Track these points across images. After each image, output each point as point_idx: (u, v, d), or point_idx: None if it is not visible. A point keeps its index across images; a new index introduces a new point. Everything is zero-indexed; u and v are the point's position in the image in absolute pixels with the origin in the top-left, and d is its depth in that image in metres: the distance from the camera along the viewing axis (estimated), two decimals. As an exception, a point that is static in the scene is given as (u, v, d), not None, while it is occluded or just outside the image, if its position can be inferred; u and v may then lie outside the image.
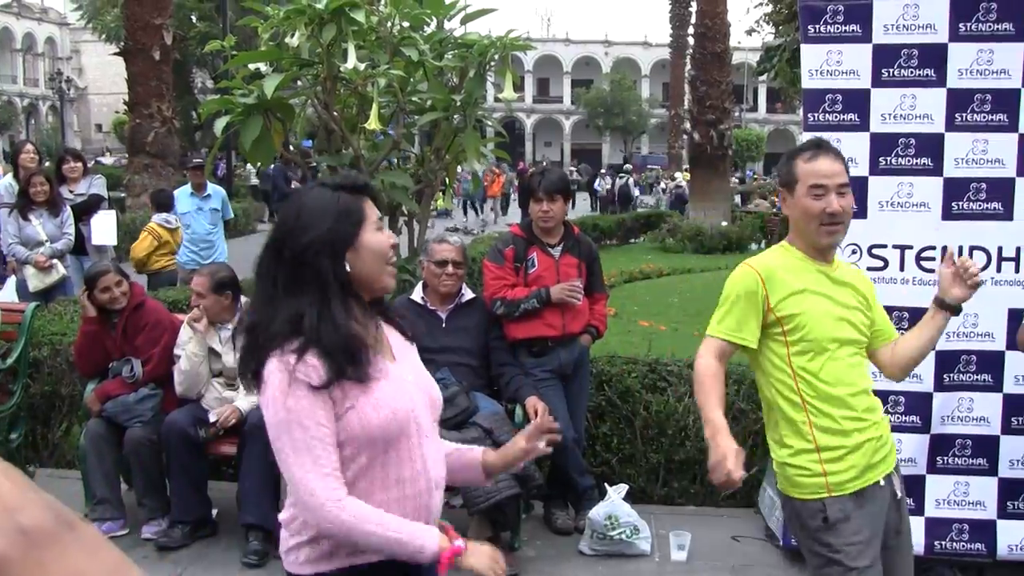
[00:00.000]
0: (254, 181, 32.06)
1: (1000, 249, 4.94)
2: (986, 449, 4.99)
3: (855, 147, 4.85)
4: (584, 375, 5.84)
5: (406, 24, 6.19)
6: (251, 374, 2.44)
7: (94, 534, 1.06)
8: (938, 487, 5.07)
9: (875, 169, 4.90)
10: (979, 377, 4.97)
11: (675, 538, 5.38)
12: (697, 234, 23.71)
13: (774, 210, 28.68)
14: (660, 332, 11.17)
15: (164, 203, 10.47)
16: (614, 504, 5.36)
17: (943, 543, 5.07)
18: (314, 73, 6.17)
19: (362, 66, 5.71)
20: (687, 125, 30.83)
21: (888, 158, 4.89)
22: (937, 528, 5.07)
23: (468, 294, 5.72)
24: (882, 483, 3.36)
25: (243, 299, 5.75)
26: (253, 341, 2.43)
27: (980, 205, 4.91)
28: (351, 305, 2.45)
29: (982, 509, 5.02)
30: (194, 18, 41.40)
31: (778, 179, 3.61)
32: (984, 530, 5.02)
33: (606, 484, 5.57)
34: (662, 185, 41.92)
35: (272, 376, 2.35)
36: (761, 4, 19.49)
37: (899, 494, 3.46)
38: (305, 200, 2.48)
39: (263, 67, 6.20)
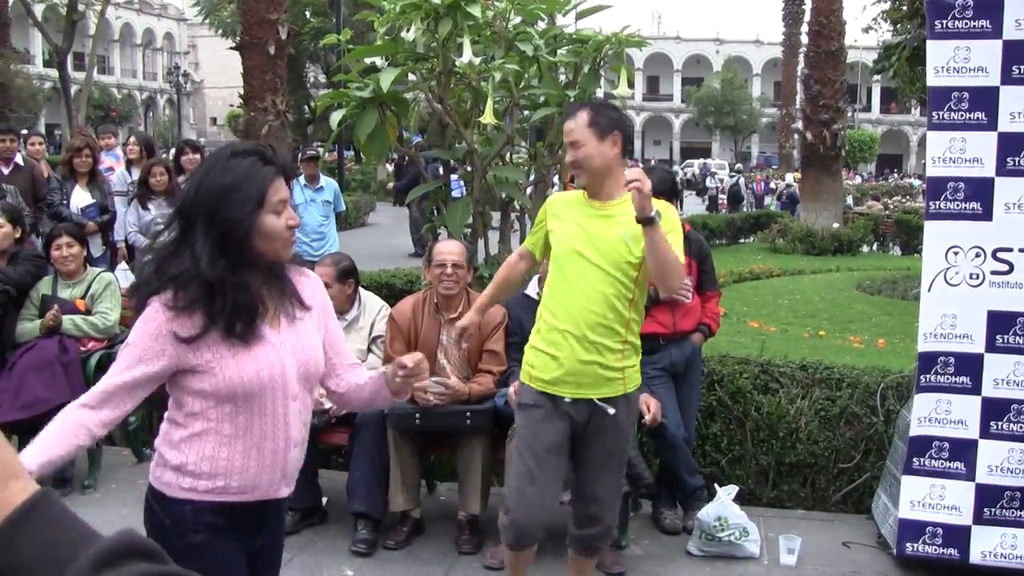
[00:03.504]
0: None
1: None
2: (963, 453, 4.85)
3: (981, 147, 4.70)
4: (695, 374, 5.77)
5: (520, 19, 6.20)
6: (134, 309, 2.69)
7: None
8: (914, 489, 4.95)
9: (1002, 170, 4.72)
10: (958, 379, 4.87)
11: (785, 542, 5.29)
12: (808, 235, 23.30)
13: (887, 212, 28.09)
14: (769, 333, 11.00)
15: None
16: (724, 505, 5.29)
17: (915, 546, 4.95)
18: (429, 67, 6.23)
19: (477, 60, 5.74)
20: (799, 124, 30.32)
21: (1017, 159, 4.71)
22: (910, 530, 4.96)
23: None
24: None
25: (362, 290, 5.82)
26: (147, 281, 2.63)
27: None
28: (244, 270, 2.62)
29: (957, 514, 4.88)
30: (308, 13, 42.17)
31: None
32: (958, 535, 4.87)
33: (716, 485, 5.50)
34: (772, 185, 41.32)
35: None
36: (878, 1, 19.05)
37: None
38: (227, 165, 2.63)
39: (378, 61, 6.27)
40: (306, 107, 45.18)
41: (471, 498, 5.34)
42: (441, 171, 7.29)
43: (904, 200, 36.93)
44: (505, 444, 5.20)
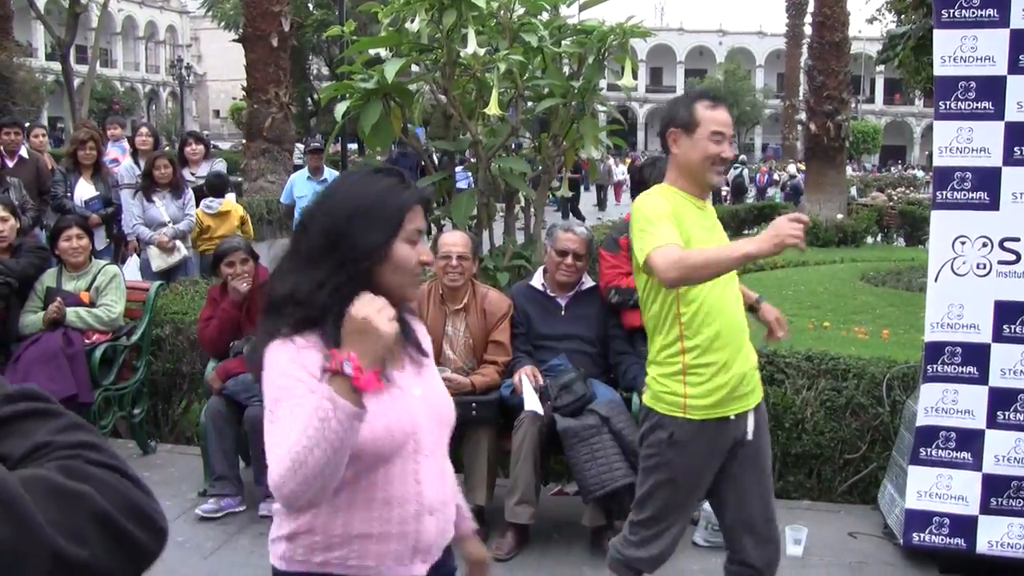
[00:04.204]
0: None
1: None
2: (970, 443, 4.85)
3: (989, 136, 4.68)
4: (701, 364, 5.76)
5: (524, 10, 6.19)
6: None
7: None
8: (920, 479, 4.95)
9: (1009, 159, 4.70)
10: (965, 369, 4.86)
11: (791, 532, 5.28)
12: (812, 227, 23.22)
13: (891, 203, 28.04)
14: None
15: (215, 186, 9.96)
16: (729, 496, 5.28)
17: (922, 536, 4.95)
18: (433, 58, 6.21)
19: (482, 51, 5.73)
20: (802, 116, 30.27)
21: (1023, 148, 4.70)
22: (917, 521, 4.95)
23: (588, 282, 5.69)
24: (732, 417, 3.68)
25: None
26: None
27: None
28: None
29: (964, 504, 4.87)
30: (311, 5, 42.13)
31: (667, 118, 3.79)
32: (965, 525, 4.86)
33: (721, 476, 5.48)
34: (775, 176, 41.24)
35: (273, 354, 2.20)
36: (883, -9, 19.01)
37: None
38: (353, 188, 2.31)
39: (383, 52, 6.26)
40: (309, 99, 45.18)
41: (477, 489, 5.33)
42: (439, 163, 7.29)
43: (908, 191, 36.87)
44: (512, 434, 5.20)
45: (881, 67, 36.37)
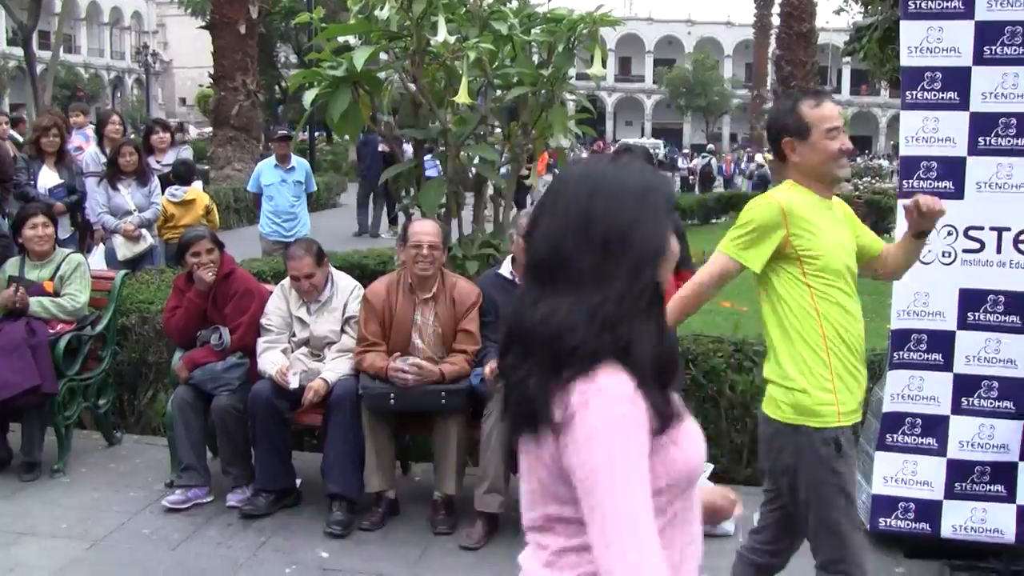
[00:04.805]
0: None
1: None
2: (935, 429, 4.89)
3: (954, 126, 4.72)
4: (671, 353, 5.77)
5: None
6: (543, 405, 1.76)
7: None
8: (887, 465, 4.99)
9: (974, 149, 4.75)
10: (930, 356, 4.90)
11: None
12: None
13: (857, 193, 28.21)
14: (742, 313, 11.02)
15: (180, 174, 9.81)
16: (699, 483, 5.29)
17: (888, 521, 5.00)
18: (403, 46, 6.18)
19: (452, 39, 5.70)
20: (769, 106, 30.38)
21: (988, 138, 4.74)
22: (883, 506, 5.00)
23: (556, 269, 5.68)
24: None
25: (334, 271, 5.80)
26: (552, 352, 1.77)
27: None
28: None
29: (929, 489, 4.91)
30: (279, -7, 41.75)
31: (776, 129, 3.70)
32: (930, 510, 4.91)
33: (690, 464, 5.49)
34: (743, 166, 41.44)
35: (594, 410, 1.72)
36: (850, -18, 19.12)
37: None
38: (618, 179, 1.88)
39: (352, 40, 6.22)
40: (277, 87, 44.88)
41: (447, 478, 5.33)
42: (412, 151, 7.26)
43: (874, 181, 37.10)
44: (481, 423, 5.20)
45: (847, 58, 36.52)
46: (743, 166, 41.67)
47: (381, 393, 5.27)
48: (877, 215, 25.20)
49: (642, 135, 75.89)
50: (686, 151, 46.36)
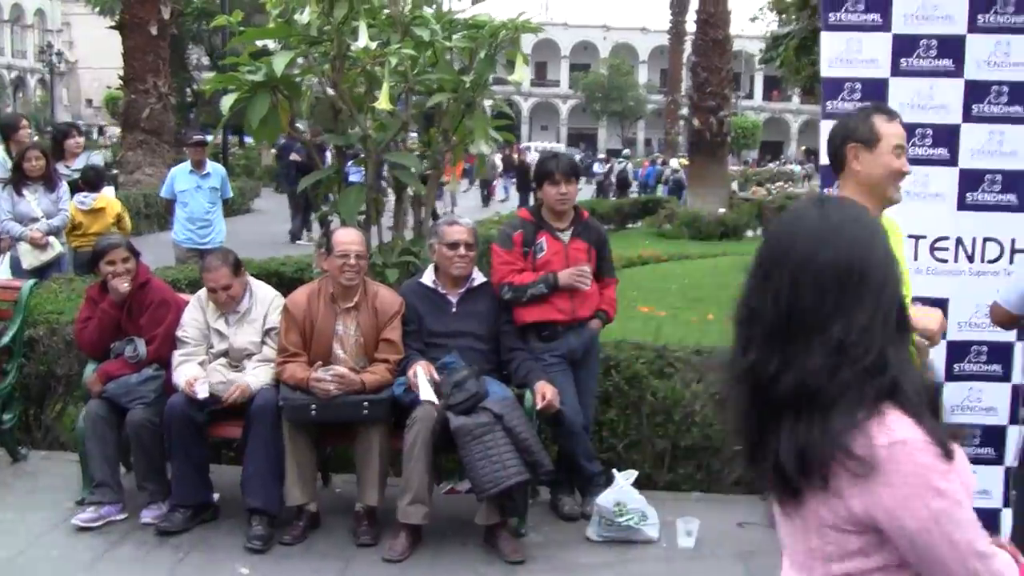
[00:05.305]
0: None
1: (1013, 241, 4.93)
2: None
3: None
4: (593, 360, 5.79)
5: (416, 3, 6.11)
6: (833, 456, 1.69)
7: None
8: None
9: None
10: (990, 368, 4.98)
11: (683, 524, 5.34)
12: (694, 220, 23.69)
13: (770, 197, 28.69)
14: (660, 318, 11.12)
15: (89, 181, 9.47)
16: (623, 490, 5.31)
17: None
18: (323, 51, 6.09)
19: (373, 45, 5.64)
20: (684, 111, 30.76)
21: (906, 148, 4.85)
22: None
23: (479, 278, 5.66)
24: None
25: (252, 280, 5.69)
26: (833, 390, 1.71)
27: (994, 196, 4.93)
28: None
29: None
30: (191, -6, 41.08)
31: (842, 135, 3.69)
32: None
33: (614, 470, 5.51)
34: (659, 166, 41.80)
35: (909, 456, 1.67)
36: (765, -9, 19.42)
37: None
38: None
39: (271, 44, 6.12)
40: (189, 90, 44.17)
41: (369, 489, 5.26)
42: (331, 157, 7.15)
43: (786, 185, 37.79)
44: (404, 433, 5.14)
45: (760, 65, 37.18)
46: (657, 166, 41.96)
47: (302, 404, 5.18)
48: (790, 220, 25.69)
49: (557, 140, 76.36)
50: (601, 156, 46.49)
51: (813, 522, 1.77)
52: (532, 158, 33.93)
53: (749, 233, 24.89)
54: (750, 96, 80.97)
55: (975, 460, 4.82)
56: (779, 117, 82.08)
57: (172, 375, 5.46)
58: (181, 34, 35.96)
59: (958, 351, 4.93)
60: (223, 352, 5.53)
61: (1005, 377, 4.95)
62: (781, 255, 1.80)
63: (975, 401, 4.95)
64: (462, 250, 5.49)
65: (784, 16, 17.73)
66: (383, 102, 5.68)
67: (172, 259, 10.42)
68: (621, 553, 5.25)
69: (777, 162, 63.46)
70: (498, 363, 5.58)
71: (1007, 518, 4.80)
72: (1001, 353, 4.93)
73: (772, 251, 1.84)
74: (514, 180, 34.29)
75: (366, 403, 5.20)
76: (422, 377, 5.18)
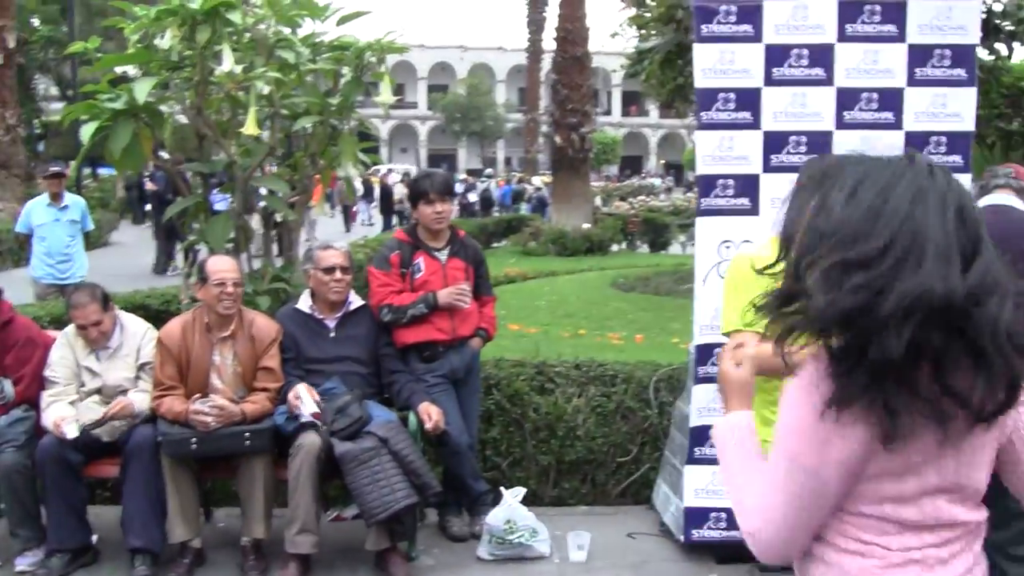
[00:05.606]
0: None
1: None
2: None
3: (748, 145, 4.95)
4: (475, 379, 5.78)
5: (282, 27, 6.03)
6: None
7: None
8: (696, 478, 5.20)
9: (767, 166, 4.99)
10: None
11: (574, 538, 5.36)
12: (559, 237, 23.91)
13: (633, 211, 29.18)
14: (531, 335, 11.17)
15: None
16: (512, 508, 5.31)
17: (701, 532, 5.23)
18: (186, 76, 5.96)
19: (239, 69, 5.54)
20: (544, 129, 31.06)
21: (779, 156, 4.98)
22: (695, 517, 5.22)
23: (356, 302, 5.60)
24: None
25: (122, 314, 5.51)
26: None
27: None
28: None
29: None
30: (37, 21, 39.79)
31: None
32: None
33: (501, 488, 5.51)
34: (514, 185, 42.03)
35: None
36: (624, 8, 19.68)
37: None
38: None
39: (131, 70, 5.95)
40: (35, 121, 42.71)
41: (255, 522, 5.14)
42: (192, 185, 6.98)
43: (648, 199, 38.50)
44: (288, 463, 5.04)
45: (618, 80, 37.81)
46: (513, 185, 42.12)
47: (182, 438, 5.04)
48: (654, 232, 26.21)
49: (417, 162, 76.26)
50: (462, 177, 46.50)
51: (991, 442, 1.92)
52: (394, 180, 33.92)
53: (615, 247, 25.27)
54: (608, 112, 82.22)
55: None
56: (638, 132, 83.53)
57: (42, 416, 5.25)
58: (27, 63, 34.85)
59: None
60: (96, 390, 5.34)
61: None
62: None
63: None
64: (338, 274, 5.44)
65: (644, 32, 18.02)
66: (250, 127, 5.58)
67: (31, 296, 10.04)
68: (514, 570, 5.25)
69: (638, 176, 64.61)
70: (380, 386, 5.53)
71: None
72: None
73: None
74: (375, 205, 34.18)
75: (248, 434, 5.09)
76: (304, 393, 5.10)
